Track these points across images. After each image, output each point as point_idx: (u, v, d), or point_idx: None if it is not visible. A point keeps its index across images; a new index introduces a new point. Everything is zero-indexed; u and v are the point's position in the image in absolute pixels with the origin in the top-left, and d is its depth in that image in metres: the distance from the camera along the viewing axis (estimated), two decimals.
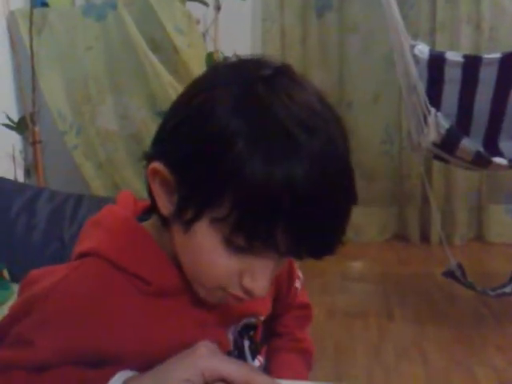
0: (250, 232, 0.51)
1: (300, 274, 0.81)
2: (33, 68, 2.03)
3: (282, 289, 0.77)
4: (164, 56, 1.99)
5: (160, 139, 0.57)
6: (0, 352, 0.57)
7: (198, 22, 2.18)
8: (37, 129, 2.04)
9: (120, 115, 2.08)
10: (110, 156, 2.13)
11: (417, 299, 2.23)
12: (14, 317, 0.58)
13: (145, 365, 0.55)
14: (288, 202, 0.49)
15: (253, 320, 0.68)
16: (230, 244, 0.53)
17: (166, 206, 0.56)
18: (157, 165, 0.55)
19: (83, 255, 0.60)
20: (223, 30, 2.22)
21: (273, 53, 2.94)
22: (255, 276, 0.54)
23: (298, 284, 0.80)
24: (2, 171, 1.52)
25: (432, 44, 2.75)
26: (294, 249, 0.53)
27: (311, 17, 2.89)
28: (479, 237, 2.90)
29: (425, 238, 2.89)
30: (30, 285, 0.59)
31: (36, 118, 2.03)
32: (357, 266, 2.77)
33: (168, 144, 0.56)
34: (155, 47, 2.01)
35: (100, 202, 0.98)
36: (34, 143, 2.04)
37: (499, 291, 1.95)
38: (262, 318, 0.69)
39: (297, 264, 0.81)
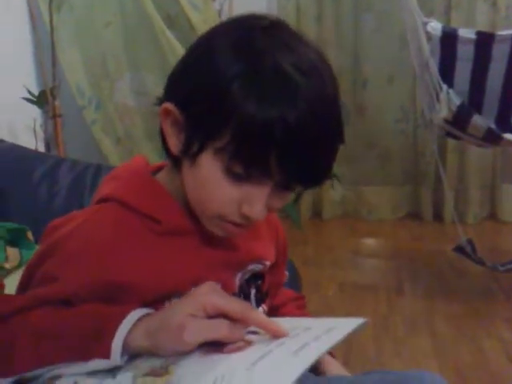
0: (246, 160, 0.57)
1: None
2: (52, 43, 2.06)
3: (279, 257, 0.80)
4: (180, 33, 2.03)
5: (170, 83, 0.64)
6: (29, 291, 0.62)
7: None
8: (57, 103, 2.08)
9: (138, 91, 2.13)
10: (128, 131, 2.18)
11: (427, 275, 2.26)
12: (39, 259, 0.64)
13: (157, 297, 0.62)
14: (280, 135, 0.55)
15: (260, 266, 0.72)
16: (229, 173, 0.59)
17: (175, 144, 0.63)
18: (168, 105, 0.62)
19: (101, 201, 0.67)
20: (238, 6, 2.24)
21: None
22: (252, 202, 0.60)
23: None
24: (23, 144, 1.57)
25: (447, 22, 2.74)
26: (285, 176, 0.59)
27: None
28: (492, 215, 2.91)
29: (438, 216, 2.91)
30: (53, 231, 0.65)
31: (56, 92, 2.07)
32: (369, 242, 2.80)
33: (177, 86, 0.63)
34: (171, 23, 2.05)
35: None
36: (54, 117, 2.08)
37: (509, 266, 1.97)
38: (268, 264, 0.74)
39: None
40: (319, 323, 0.60)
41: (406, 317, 1.92)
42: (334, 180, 2.61)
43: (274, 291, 0.82)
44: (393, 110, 2.97)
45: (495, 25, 2.71)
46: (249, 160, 0.57)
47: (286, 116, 0.55)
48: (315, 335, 0.56)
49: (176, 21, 2.06)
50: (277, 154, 0.56)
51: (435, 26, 1.88)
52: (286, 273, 0.87)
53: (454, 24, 2.71)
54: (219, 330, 0.56)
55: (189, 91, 0.61)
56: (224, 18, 2.24)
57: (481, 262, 1.99)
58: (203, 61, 0.61)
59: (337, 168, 2.97)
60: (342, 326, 0.57)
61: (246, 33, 0.60)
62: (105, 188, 0.68)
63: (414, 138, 2.95)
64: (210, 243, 0.67)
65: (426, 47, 1.85)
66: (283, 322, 0.59)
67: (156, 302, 0.62)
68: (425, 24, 1.87)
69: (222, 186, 0.60)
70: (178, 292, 0.62)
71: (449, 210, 2.70)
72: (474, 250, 1.99)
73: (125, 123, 2.20)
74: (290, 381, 0.48)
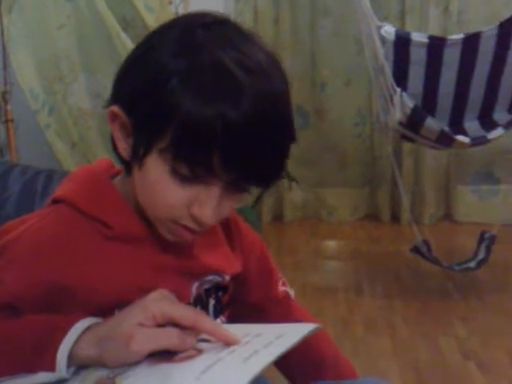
0: (189, 160, 0.56)
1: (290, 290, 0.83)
2: (3, 46, 2.02)
3: (250, 269, 0.77)
4: (133, 33, 2.01)
5: (115, 85, 0.63)
6: None
7: (170, 1, 2.20)
8: (9, 107, 2.03)
9: (92, 94, 2.09)
10: (83, 135, 2.14)
11: (385, 275, 2.30)
12: None
13: (105, 303, 0.60)
14: (220, 134, 0.54)
15: (218, 278, 0.70)
16: (175, 174, 0.57)
17: (124, 148, 0.62)
18: (114, 108, 0.61)
19: (54, 202, 0.66)
20: (194, 9, 2.23)
21: None
22: (202, 204, 0.59)
23: (290, 292, 0.82)
24: None
25: (402, 26, 2.79)
26: (232, 176, 0.57)
27: None
28: (447, 216, 2.97)
29: (395, 217, 2.96)
30: (3, 235, 0.64)
31: (8, 96, 2.03)
32: (329, 244, 2.83)
33: (121, 88, 0.62)
34: (126, 26, 2.02)
35: None
36: (6, 122, 2.04)
37: (464, 266, 2.02)
38: (227, 277, 0.71)
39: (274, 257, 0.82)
40: (270, 329, 0.60)
41: (364, 317, 1.94)
42: (292, 183, 2.62)
43: (267, 306, 0.79)
44: (351, 114, 3.01)
45: (447, 29, 2.78)
46: (192, 160, 0.56)
47: (225, 114, 0.54)
48: (266, 342, 0.55)
49: (131, 23, 2.04)
50: (219, 153, 0.55)
51: (389, 30, 1.91)
52: (284, 288, 0.81)
53: (408, 28, 2.76)
54: (169, 339, 0.55)
55: (131, 92, 0.59)
56: None
57: (436, 262, 2.03)
58: (143, 60, 0.60)
59: (297, 170, 3.00)
60: (292, 332, 0.57)
61: (187, 29, 0.59)
62: (59, 189, 0.67)
63: (371, 140, 3.00)
64: (163, 250, 0.65)
65: (381, 51, 1.88)
66: (234, 329, 0.58)
67: (106, 309, 0.61)
68: (379, 28, 1.89)
69: (170, 189, 0.58)
70: (127, 299, 0.61)
71: (405, 212, 2.75)
72: (429, 250, 2.03)
73: (79, 127, 2.17)
74: None
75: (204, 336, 0.58)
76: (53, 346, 0.56)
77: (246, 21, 2.93)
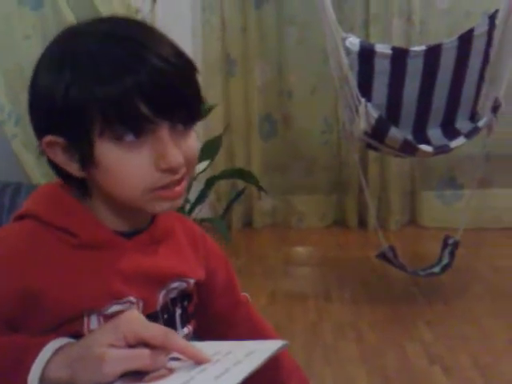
0: (125, 122, 0.59)
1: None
2: None
3: (216, 278, 0.79)
4: None
5: (33, 122, 0.65)
6: None
7: (137, 11, 2.20)
8: None
9: None
10: None
11: (353, 281, 2.34)
12: None
13: (74, 312, 0.61)
14: (136, 89, 0.59)
15: (183, 284, 0.72)
16: (124, 143, 0.60)
17: (76, 167, 0.64)
18: (46, 138, 0.63)
19: (18, 218, 0.66)
20: (163, 20, 2.24)
21: (213, 43, 2.98)
22: (161, 153, 0.61)
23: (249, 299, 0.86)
24: None
25: (366, 36, 2.86)
26: (163, 113, 0.61)
27: (250, 8, 2.94)
28: (413, 222, 3.04)
29: (362, 223, 3.01)
30: None
31: None
32: (299, 251, 2.86)
33: (36, 119, 0.65)
34: None
35: None
36: None
37: (428, 271, 2.07)
38: (192, 281, 0.73)
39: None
40: (240, 347, 0.61)
41: (334, 323, 1.97)
42: (261, 192, 2.64)
43: (231, 311, 0.82)
44: (318, 121, 3.05)
45: (410, 39, 2.85)
46: (126, 119, 0.59)
47: (136, 73, 0.59)
48: (236, 360, 0.57)
49: None
50: (143, 100, 0.59)
51: (353, 42, 1.95)
52: (245, 294, 0.85)
53: (372, 38, 2.82)
54: (140, 359, 0.56)
55: (48, 113, 0.62)
56: None
57: (402, 268, 2.08)
58: (43, 76, 0.63)
59: (266, 178, 3.03)
60: (262, 349, 0.58)
61: (70, 28, 0.65)
62: (23, 205, 0.68)
63: (337, 148, 3.04)
64: (130, 258, 0.66)
65: (345, 62, 1.91)
66: (205, 347, 0.59)
67: (74, 318, 0.62)
68: (344, 39, 1.93)
69: (129, 160, 0.61)
70: (96, 307, 0.62)
71: (372, 218, 2.81)
72: (395, 255, 2.08)
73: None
74: None
75: (175, 355, 0.59)
76: (24, 368, 0.56)
77: (213, 29, 2.96)
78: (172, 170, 0.62)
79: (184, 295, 0.73)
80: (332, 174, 3.09)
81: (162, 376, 0.56)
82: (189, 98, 0.63)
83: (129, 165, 0.61)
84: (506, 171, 2.91)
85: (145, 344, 0.57)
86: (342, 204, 3.10)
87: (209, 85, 2.94)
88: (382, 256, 2.09)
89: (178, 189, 0.64)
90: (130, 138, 0.60)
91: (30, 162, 2.16)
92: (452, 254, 2.05)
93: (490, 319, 1.93)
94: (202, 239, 0.79)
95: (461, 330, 1.86)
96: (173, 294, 0.71)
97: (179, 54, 0.64)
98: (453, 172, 2.94)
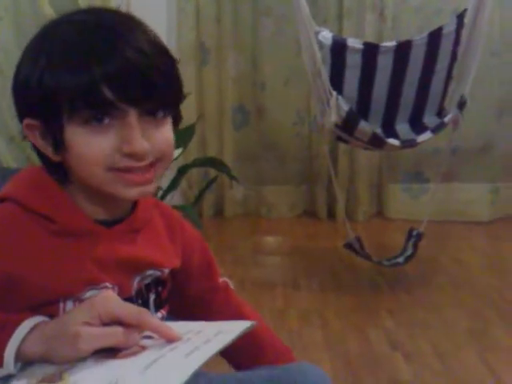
0: (91, 106, 0.62)
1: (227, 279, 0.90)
2: None
3: (192, 263, 0.83)
4: None
5: (15, 105, 0.68)
6: None
7: None
8: None
9: None
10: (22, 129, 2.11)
11: (321, 270, 2.39)
12: None
13: (51, 296, 0.64)
14: (100, 74, 0.62)
15: (158, 273, 0.75)
16: (92, 127, 0.63)
17: (50, 151, 0.66)
18: (26, 120, 0.66)
19: None
20: (136, 8, 2.23)
21: (188, 32, 2.99)
22: (128, 138, 0.64)
23: (230, 284, 0.90)
24: None
25: (339, 30, 2.90)
26: (133, 102, 0.64)
27: None
28: (380, 213, 3.12)
29: (331, 214, 3.07)
30: None
31: None
32: (268, 240, 2.91)
33: (18, 103, 0.68)
34: None
35: (11, 173, 1.02)
36: None
37: (393, 261, 2.14)
38: (166, 271, 0.76)
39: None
40: (210, 327, 0.65)
41: (300, 310, 2.02)
42: (232, 181, 2.68)
43: (209, 296, 0.85)
44: (290, 113, 3.09)
45: (382, 34, 2.91)
46: (92, 104, 0.62)
47: (100, 61, 0.61)
48: (206, 339, 0.60)
49: None
50: (107, 86, 0.61)
51: (326, 36, 1.98)
52: (224, 279, 0.88)
53: (345, 32, 2.87)
54: (114, 337, 0.59)
55: (27, 99, 0.65)
56: None
57: (368, 258, 2.14)
58: (24, 61, 0.67)
59: (238, 168, 3.06)
60: (230, 329, 0.62)
61: (53, 19, 0.69)
62: (3, 188, 0.70)
63: (309, 140, 3.09)
64: (107, 246, 0.69)
65: (318, 55, 1.95)
66: (177, 327, 0.62)
67: (51, 302, 0.64)
68: (317, 33, 1.97)
69: (96, 142, 0.63)
70: (72, 293, 0.65)
71: (340, 209, 2.87)
72: (361, 246, 2.14)
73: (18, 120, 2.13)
74: (179, 382, 0.52)
75: (148, 333, 0.62)
76: (0, 344, 0.58)
77: (187, 19, 2.96)
78: (135, 156, 0.64)
79: (158, 281, 0.76)
80: (302, 166, 3.14)
81: (135, 353, 0.59)
82: (158, 88, 0.65)
83: (93, 146, 0.63)
84: (470, 165, 3.01)
85: (119, 322, 0.60)
86: (312, 195, 3.15)
87: (182, 73, 2.94)
88: (349, 246, 2.15)
89: (147, 175, 0.66)
90: (95, 122, 0.63)
91: (2, 145, 2.15)
92: (415, 246, 2.12)
93: (451, 309, 2.00)
94: (180, 224, 0.82)
95: (422, 318, 1.93)
96: (147, 281, 0.74)
97: (154, 44, 0.66)
98: (419, 166, 3.01)
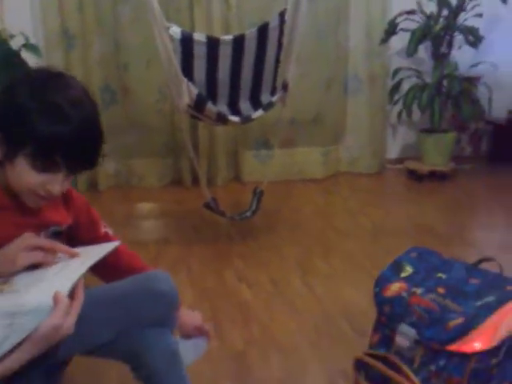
0: (42, 160, 0.97)
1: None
2: None
3: (80, 221, 1.21)
4: None
5: None
6: None
7: None
8: None
9: None
10: None
11: (187, 228, 2.82)
12: None
13: None
14: (60, 144, 0.96)
15: (58, 228, 1.13)
16: (35, 168, 0.98)
17: (0, 154, 1.00)
18: None
19: None
20: (4, 2, 2.39)
21: (53, 22, 3.21)
22: (53, 184, 1.01)
23: (110, 231, 1.30)
24: None
25: (192, 17, 3.28)
26: (70, 168, 1.00)
27: None
28: (236, 177, 3.61)
29: (196, 181, 3.47)
30: None
31: None
32: (141, 207, 3.27)
33: None
34: None
35: None
36: None
37: (243, 215, 2.60)
38: (64, 226, 1.15)
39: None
40: (92, 249, 1.04)
41: (170, 261, 2.42)
42: (103, 158, 2.97)
43: (96, 241, 1.17)
44: (152, 91, 3.42)
45: (229, 21, 3.32)
46: (44, 160, 0.97)
47: (62, 132, 0.95)
48: (90, 255, 0.99)
49: None
50: (61, 154, 0.97)
51: (176, 30, 2.33)
52: (105, 230, 1.28)
53: (196, 20, 3.25)
54: (38, 256, 0.96)
55: (4, 115, 0.98)
56: None
57: (222, 214, 2.59)
58: (6, 98, 0.99)
59: (108, 143, 3.31)
60: (104, 248, 1.02)
61: (40, 81, 1.00)
62: None
63: (171, 116, 3.45)
64: (22, 214, 1.05)
65: (170, 47, 2.29)
66: (76, 249, 1.01)
67: None
68: (167, 29, 2.31)
69: (30, 176, 0.98)
70: (4, 243, 1.00)
71: (202, 177, 3.29)
72: (217, 205, 2.57)
73: None
74: (75, 278, 0.91)
75: (60, 255, 1.00)
76: None
77: (51, 10, 3.18)
78: (50, 194, 1.02)
79: (57, 233, 1.14)
80: (167, 139, 3.50)
81: (51, 265, 0.97)
82: (93, 164, 1.03)
83: (29, 178, 0.98)
84: (305, 133, 3.59)
85: (40, 249, 0.97)
86: (178, 166, 3.53)
87: (50, 57, 3.18)
88: (207, 206, 2.58)
89: (43, 201, 1.04)
90: (40, 167, 0.97)
91: None
92: (258, 201, 2.60)
93: (287, 247, 2.53)
94: (70, 194, 1.20)
95: (264, 257, 2.43)
96: (50, 232, 1.12)
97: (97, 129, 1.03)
98: (266, 135, 3.52)
